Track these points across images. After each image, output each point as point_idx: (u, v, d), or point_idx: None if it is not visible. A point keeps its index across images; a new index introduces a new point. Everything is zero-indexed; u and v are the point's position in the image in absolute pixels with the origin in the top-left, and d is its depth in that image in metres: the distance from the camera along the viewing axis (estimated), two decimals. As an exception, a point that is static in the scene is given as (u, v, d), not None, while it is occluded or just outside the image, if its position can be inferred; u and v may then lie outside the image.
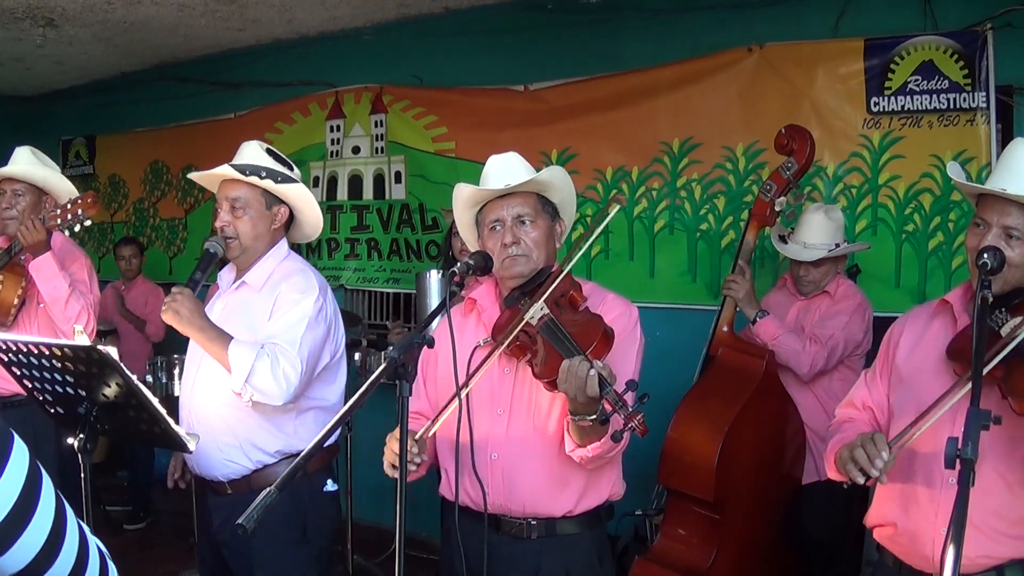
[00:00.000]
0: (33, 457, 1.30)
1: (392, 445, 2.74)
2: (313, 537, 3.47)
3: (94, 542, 1.42)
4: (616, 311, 2.87)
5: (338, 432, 3.40)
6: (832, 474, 2.86)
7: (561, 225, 3.04)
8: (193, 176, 3.66)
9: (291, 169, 3.57)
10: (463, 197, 3.03)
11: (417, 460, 2.72)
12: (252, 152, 3.53)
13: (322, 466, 3.54)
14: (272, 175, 3.46)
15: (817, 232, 4.47)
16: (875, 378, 2.93)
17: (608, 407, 2.39)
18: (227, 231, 3.46)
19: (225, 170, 3.44)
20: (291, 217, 3.60)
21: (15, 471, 1.26)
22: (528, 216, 2.91)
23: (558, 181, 2.97)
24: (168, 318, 3.24)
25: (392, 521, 2.32)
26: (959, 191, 3.69)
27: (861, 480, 2.47)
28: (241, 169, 3.44)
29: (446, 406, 2.72)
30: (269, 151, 3.55)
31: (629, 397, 2.40)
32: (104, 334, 4.18)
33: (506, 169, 2.96)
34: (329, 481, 3.55)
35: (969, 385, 2.27)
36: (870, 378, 2.95)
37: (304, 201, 3.60)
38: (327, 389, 3.53)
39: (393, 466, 2.71)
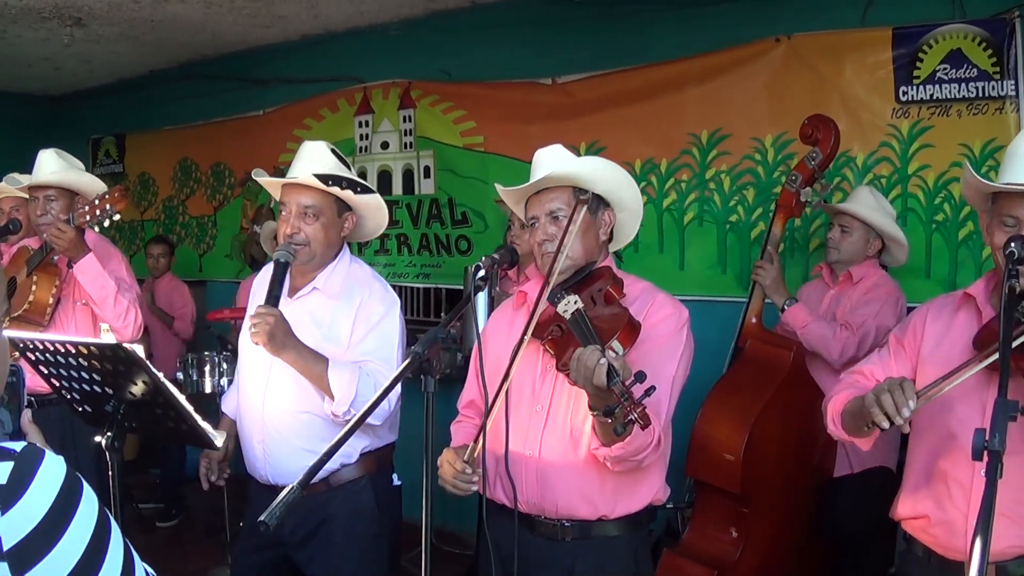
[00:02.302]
0: (102, 507, 1.20)
1: (448, 459, 2.75)
2: (387, 530, 3.50)
3: None
4: (664, 312, 2.80)
5: (396, 428, 3.53)
6: (834, 428, 2.85)
7: (610, 216, 2.92)
8: (263, 181, 3.57)
9: (349, 168, 3.52)
10: (505, 197, 3.02)
11: (474, 479, 2.72)
12: (320, 154, 3.44)
13: (388, 462, 3.57)
14: (351, 185, 3.38)
15: (863, 202, 4.43)
16: (888, 356, 2.89)
17: (615, 399, 2.31)
18: (298, 237, 3.33)
19: (310, 180, 3.31)
20: None
21: (83, 523, 1.16)
22: (562, 212, 2.83)
23: (590, 173, 2.84)
24: (261, 341, 3.10)
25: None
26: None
27: (886, 425, 2.40)
28: (324, 179, 3.31)
29: (487, 416, 2.71)
30: (333, 151, 3.48)
31: (637, 390, 2.30)
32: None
33: (547, 163, 2.88)
34: (395, 476, 3.59)
35: (996, 355, 2.27)
36: (884, 355, 2.92)
37: (375, 210, 3.57)
38: None
39: (454, 486, 2.74)
